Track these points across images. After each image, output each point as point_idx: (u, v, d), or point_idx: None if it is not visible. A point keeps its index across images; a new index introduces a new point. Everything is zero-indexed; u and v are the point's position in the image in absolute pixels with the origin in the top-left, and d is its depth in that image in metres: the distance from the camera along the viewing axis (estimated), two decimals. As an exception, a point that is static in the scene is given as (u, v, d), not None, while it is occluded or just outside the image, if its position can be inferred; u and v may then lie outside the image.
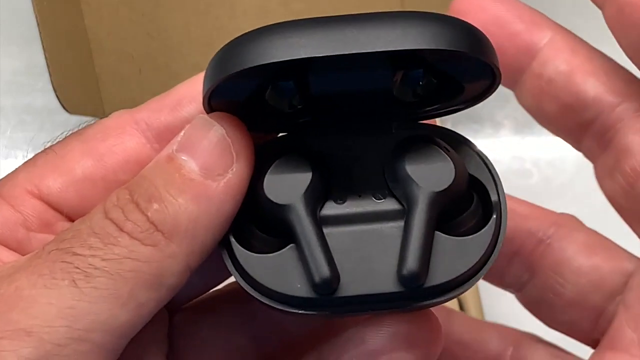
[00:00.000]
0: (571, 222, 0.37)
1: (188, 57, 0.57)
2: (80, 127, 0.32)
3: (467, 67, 0.29)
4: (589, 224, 0.38)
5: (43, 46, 0.53)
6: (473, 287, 0.57)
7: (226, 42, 0.28)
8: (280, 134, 0.31)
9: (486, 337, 0.38)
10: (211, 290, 0.34)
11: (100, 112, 0.56)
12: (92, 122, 0.32)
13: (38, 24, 0.52)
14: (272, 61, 0.27)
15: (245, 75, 0.28)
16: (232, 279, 0.31)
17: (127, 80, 0.57)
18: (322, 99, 0.30)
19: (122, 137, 0.31)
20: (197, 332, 0.33)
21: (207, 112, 0.29)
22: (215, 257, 0.29)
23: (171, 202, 0.28)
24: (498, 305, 0.59)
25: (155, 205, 0.27)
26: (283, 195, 0.28)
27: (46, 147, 0.31)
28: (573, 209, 0.61)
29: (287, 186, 0.28)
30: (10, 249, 0.30)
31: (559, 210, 0.39)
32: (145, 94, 0.32)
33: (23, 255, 0.29)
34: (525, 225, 0.36)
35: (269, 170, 0.29)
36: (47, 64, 0.53)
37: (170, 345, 0.33)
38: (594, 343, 0.36)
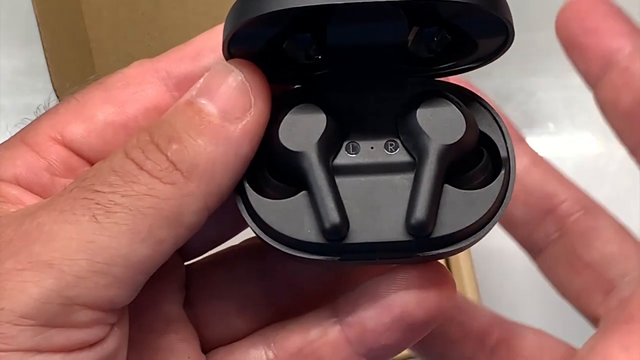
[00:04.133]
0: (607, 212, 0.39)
1: (188, 57, 0.57)
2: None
3: (481, 23, 0.29)
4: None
5: (43, 46, 0.53)
6: (472, 281, 0.56)
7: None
8: (297, 86, 0.32)
9: (478, 314, 0.39)
10: (227, 247, 0.35)
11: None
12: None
13: (38, 24, 0.52)
14: (291, 6, 0.27)
15: (265, 21, 0.28)
16: (246, 236, 0.32)
17: (127, 80, 0.57)
18: (339, 52, 0.30)
19: (143, 85, 0.31)
20: (212, 283, 0.34)
21: (227, 59, 0.30)
22: (230, 207, 0.30)
23: (190, 142, 0.28)
24: (496, 298, 0.59)
25: (175, 146, 0.28)
26: (297, 143, 0.29)
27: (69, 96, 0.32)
28: (573, 209, 0.61)
29: (301, 134, 0.29)
30: (35, 193, 0.31)
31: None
32: (145, 94, 0.33)
33: None
34: (568, 192, 0.39)
35: (284, 118, 0.29)
36: (47, 64, 0.53)
37: (186, 296, 0.34)
38: (594, 319, 0.37)
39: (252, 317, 0.34)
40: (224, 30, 0.29)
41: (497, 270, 0.60)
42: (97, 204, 0.28)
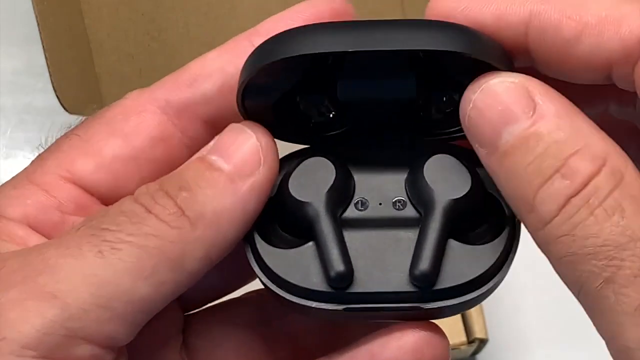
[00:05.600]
0: None
1: (188, 57, 0.56)
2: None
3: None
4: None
5: (43, 46, 0.53)
6: (480, 318, 0.55)
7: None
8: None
9: None
10: (227, 299, 0.35)
11: (100, 112, 0.56)
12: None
13: (38, 24, 0.52)
14: (307, 52, 0.28)
15: (279, 70, 0.29)
16: (246, 289, 0.32)
17: (127, 80, 0.57)
18: (350, 109, 0.31)
19: (144, 115, 0.31)
20: (211, 330, 0.34)
21: (240, 107, 0.30)
22: (235, 259, 0.30)
23: (200, 192, 0.29)
24: (503, 336, 0.59)
25: (184, 194, 0.29)
26: (305, 193, 0.30)
27: (67, 130, 0.32)
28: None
29: (310, 185, 0.30)
30: (45, 232, 0.31)
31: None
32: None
33: None
34: None
35: (295, 170, 0.30)
36: (47, 64, 0.53)
37: (184, 342, 0.34)
38: None
39: None
40: (240, 77, 0.30)
41: (506, 307, 0.60)
42: (104, 240, 0.28)
